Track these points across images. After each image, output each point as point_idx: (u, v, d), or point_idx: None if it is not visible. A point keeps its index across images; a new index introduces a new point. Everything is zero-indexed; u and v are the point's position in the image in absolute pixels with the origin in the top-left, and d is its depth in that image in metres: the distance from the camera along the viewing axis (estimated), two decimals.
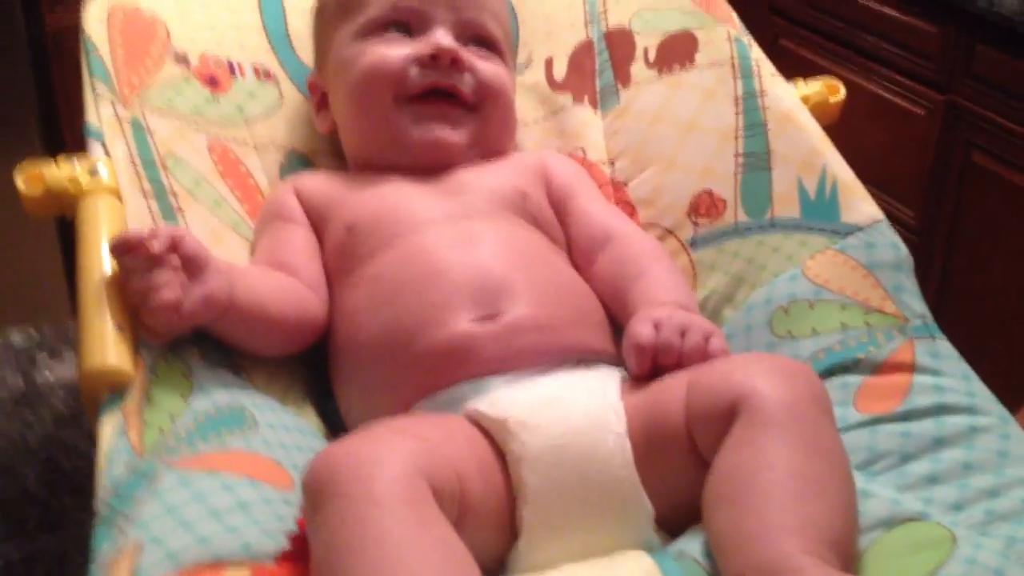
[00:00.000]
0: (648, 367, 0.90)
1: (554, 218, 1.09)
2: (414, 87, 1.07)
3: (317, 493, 0.71)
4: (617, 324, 0.99)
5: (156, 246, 0.84)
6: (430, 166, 1.08)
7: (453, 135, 1.08)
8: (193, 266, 0.87)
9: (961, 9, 1.80)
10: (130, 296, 0.85)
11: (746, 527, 0.73)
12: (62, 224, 1.97)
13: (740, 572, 0.71)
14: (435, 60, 1.07)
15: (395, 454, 0.72)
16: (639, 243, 1.05)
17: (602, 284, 1.03)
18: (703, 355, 0.88)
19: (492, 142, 1.12)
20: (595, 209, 1.09)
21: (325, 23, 1.16)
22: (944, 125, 1.91)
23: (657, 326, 0.90)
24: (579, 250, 1.07)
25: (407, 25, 1.10)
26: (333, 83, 1.12)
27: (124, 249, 0.85)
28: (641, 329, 0.90)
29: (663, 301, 0.95)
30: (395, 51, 1.08)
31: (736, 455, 0.77)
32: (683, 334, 0.89)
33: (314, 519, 0.71)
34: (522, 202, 1.06)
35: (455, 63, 1.08)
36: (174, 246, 0.86)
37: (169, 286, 0.84)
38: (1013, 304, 1.80)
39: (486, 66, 1.10)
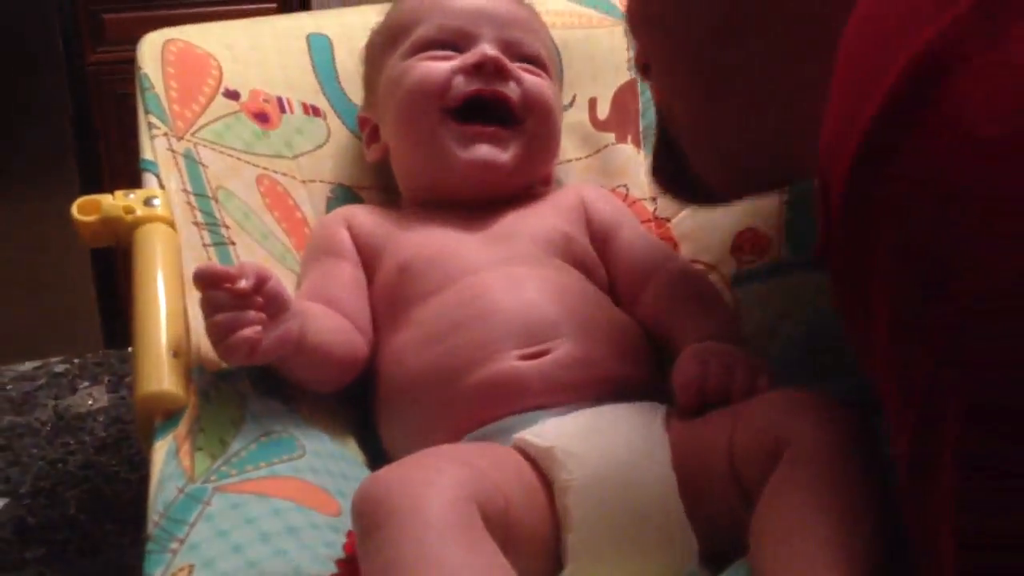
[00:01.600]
0: (696, 404, 0.90)
1: (596, 258, 1.09)
2: (459, 96, 1.08)
3: (370, 515, 0.72)
4: (665, 358, 1.00)
5: (244, 284, 0.86)
6: (478, 188, 1.09)
7: (500, 156, 1.09)
8: (274, 306, 0.89)
9: None
10: (209, 328, 0.87)
11: (790, 565, 0.72)
12: (95, 256, 2.01)
13: None
14: (480, 68, 1.08)
15: (446, 477, 0.73)
16: (684, 275, 1.06)
17: (648, 318, 1.04)
18: (750, 391, 0.88)
19: (537, 163, 1.13)
20: (638, 244, 1.10)
21: (375, 56, 1.18)
22: None
23: (704, 363, 0.90)
24: (624, 284, 1.08)
25: (454, 45, 1.12)
26: (383, 108, 1.14)
27: (211, 282, 0.86)
28: (688, 366, 0.91)
29: (710, 335, 0.96)
30: (441, 64, 1.10)
31: (780, 495, 0.76)
32: (730, 371, 0.90)
33: (366, 542, 0.72)
34: (566, 245, 1.07)
35: (500, 71, 1.09)
36: (259, 285, 0.87)
37: (251, 325, 0.86)
38: None
39: (532, 78, 1.12)
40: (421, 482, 0.72)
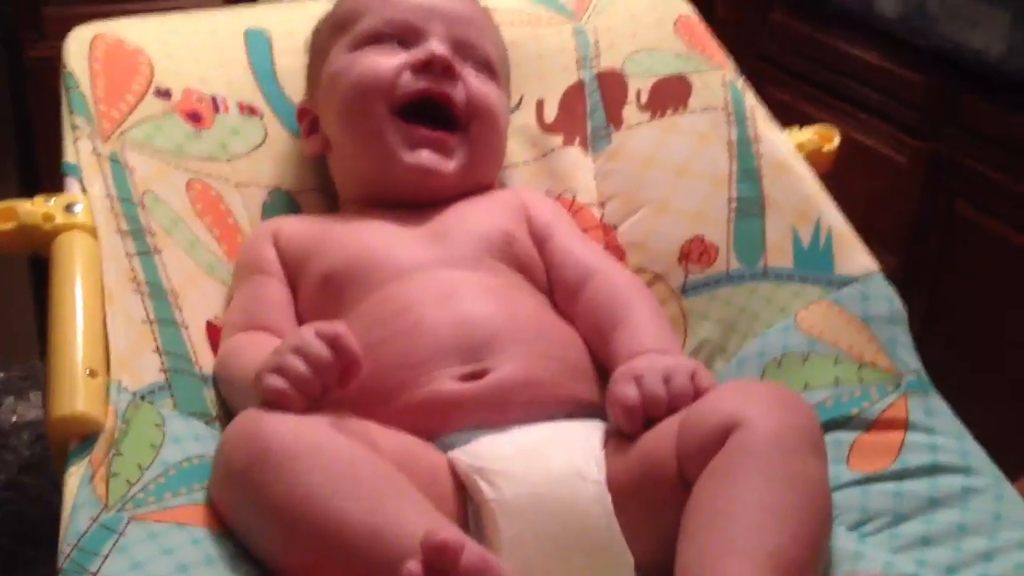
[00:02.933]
0: (639, 425, 0.87)
1: (539, 260, 1.06)
2: (406, 93, 1.05)
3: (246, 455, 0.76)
4: (602, 367, 0.97)
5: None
6: (419, 194, 1.06)
7: (444, 164, 1.06)
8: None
9: (947, 58, 1.80)
10: (280, 371, 0.81)
11: (697, 550, 0.73)
12: (34, 262, 1.95)
13: None
14: (428, 66, 1.05)
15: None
16: (617, 281, 1.03)
17: (584, 325, 1.01)
18: (691, 396, 0.86)
19: (481, 170, 1.10)
20: (574, 247, 1.07)
21: (319, 44, 1.14)
22: (927, 174, 1.90)
23: (638, 380, 0.88)
24: (560, 289, 1.05)
25: (402, 39, 1.08)
26: (325, 100, 1.11)
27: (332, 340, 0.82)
28: (623, 389, 0.88)
29: (644, 347, 0.93)
30: (388, 59, 1.07)
31: (708, 483, 0.77)
32: (667, 380, 0.87)
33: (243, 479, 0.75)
34: (508, 246, 1.04)
35: (448, 71, 1.06)
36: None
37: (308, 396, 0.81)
38: (994, 354, 1.79)
39: (480, 83, 1.09)
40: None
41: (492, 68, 1.12)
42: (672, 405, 0.86)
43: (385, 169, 1.06)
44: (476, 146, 1.08)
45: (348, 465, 0.75)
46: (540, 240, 1.08)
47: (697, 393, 0.86)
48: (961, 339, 1.85)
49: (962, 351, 1.83)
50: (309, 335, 0.82)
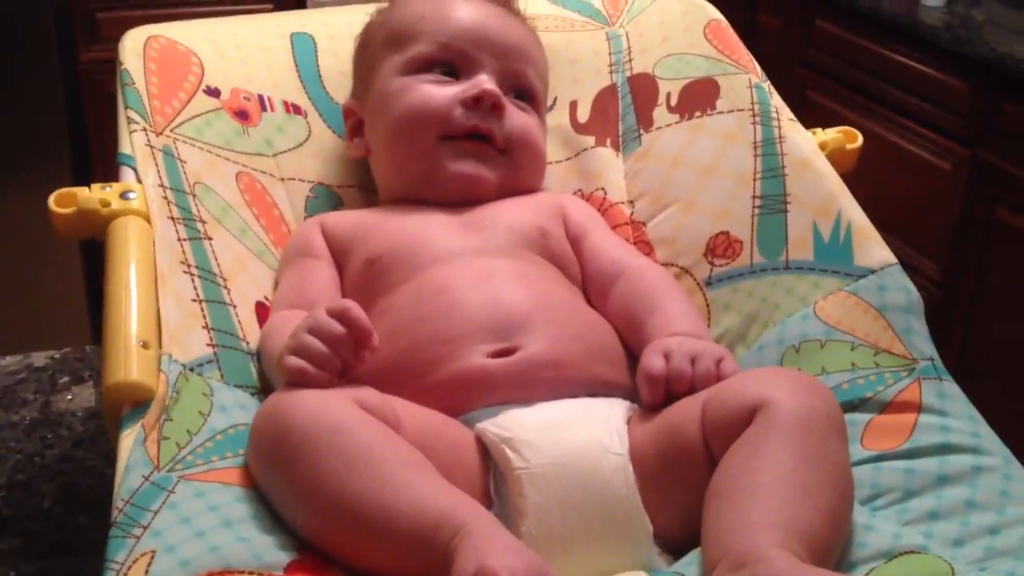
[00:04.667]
0: (661, 397, 0.91)
1: (572, 255, 1.11)
2: (458, 128, 1.10)
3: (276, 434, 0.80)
4: (634, 356, 1.01)
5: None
6: (460, 199, 1.11)
7: (487, 172, 1.11)
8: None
9: (990, 66, 1.82)
10: (298, 351, 0.85)
11: (726, 519, 0.75)
12: (85, 252, 2.02)
13: (716, 561, 0.73)
14: (478, 103, 1.10)
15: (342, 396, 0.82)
16: (650, 276, 1.08)
17: (617, 317, 1.05)
18: (714, 379, 0.90)
19: (520, 183, 1.15)
20: (608, 245, 1.12)
21: (370, 51, 1.19)
22: (969, 180, 1.92)
23: (667, 356, 0.92)
24: (593, 285, 1.09)
25: (453, 66, 1.13)
26: (373, 113, 1.16)
27: (341, 315, 0.86)
28: (652, 360, 0.92)
29: (675, 331, 0.97)
30: (441, 91, 1.11)
31: (736, 456, 0.80)
32: (693, 361, 0.91)
33: (269, 458, 0.80)
34: (542, 239, 1.08)
35: (496, 108, 1.11)
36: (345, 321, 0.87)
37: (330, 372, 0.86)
38: None
39: (520, 116, 1.14)
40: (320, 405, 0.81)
41: (535, 97, 1.18)
42: (695, 385, 0.90)
43: (431, 178, 1.12)
44: (515, 166, 1.14)
45: (365, 446, 0.78)
46: (575, 239, 1.12)
47: (720, 378, 0.90)
48: (1002, 341, 1.86)
49: (1003, 353, 1.85)
50: (320, 314, 0.87)
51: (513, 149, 1.13)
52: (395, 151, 1.14)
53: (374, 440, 0.79)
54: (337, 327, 0.86)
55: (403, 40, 1.16)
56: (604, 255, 1.10)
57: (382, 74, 1.15)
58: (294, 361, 0.84)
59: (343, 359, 0.86)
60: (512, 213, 1.11)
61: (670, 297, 1.04)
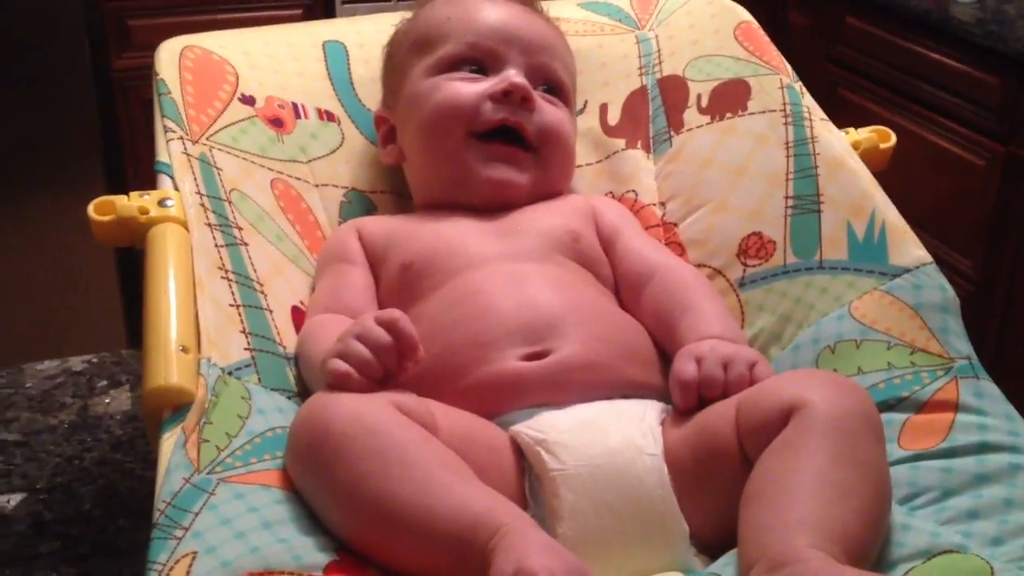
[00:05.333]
0: (694, 402, 0.92)
1: (604, 257, 1.11)
2: (486, 122, 1.11)
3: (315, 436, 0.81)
4: (667, 357, 1.01)
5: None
6: (492, 204, 1.12)
7: (518, 176, 1.12)
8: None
9: (1023, 60, 1.81)
10: (343, 356, 0.86)
11: (763, 520, 0.75)
12: (120, 260, 2.04)
13: (752, 562, 0.73)
14: (507, 96, 1.11)
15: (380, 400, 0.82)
16: (683, 276, 1.08)
17: (649, 318, 1.05)
18: (747, 384, 0.90)
19: (551, 184, 1.16)
20: (640, 246, 1.12)
21: (398, 57, 1.20)
22: (1004, 176, 1.91)
23: (700, 360, 0.92)
24: (626, 286, 1.10)
25: (481, 64, 1.15)
26: (404, 117, 1.17)
27: (390, 325, 0.87)
28: (684, 365, 0.93)
29: (708, 334, 0.97)
30: (469, 87, 1.12)
31: (773, 457, 0.79)
32: (726, 366, 0.91)
33: (307, 460, 0.81)
34: (574, 243, 1.09)
35: (525, 101, 1.12)
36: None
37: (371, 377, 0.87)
38: None
39: (551, 110, 1.15)
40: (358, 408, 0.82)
41: (563, 91, 1.18)
42: (728, 390, 0.91)
43: (462, 181, 1.12)
44: (547, 165, 1.15)
45: (402, 448, 0.79)
46: (608, 240, 1.13)
47: (753, 383, 0.90)
48: None
49: None
50: (369, 322, 0.88)
51: (544, 144, 1.13)
52: (427, 151, 1.14)
53: (411, 442, 0.80)
54: (384, 336, 0.86)
55: (430, 43, 1.17)
56: (636, 255, 1.11)
57: (411, 78, 1.16)
58: (339, 365, 0.85)
59: (387, 367, 0.87)
60: (543, 218, 1.11)
61: (703, 297, 1.04)
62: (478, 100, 1.12)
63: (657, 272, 1.08)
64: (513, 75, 1.12)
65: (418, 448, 0.80)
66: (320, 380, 0.91)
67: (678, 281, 1.06)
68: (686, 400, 0.91)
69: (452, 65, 1.15)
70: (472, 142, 1.12)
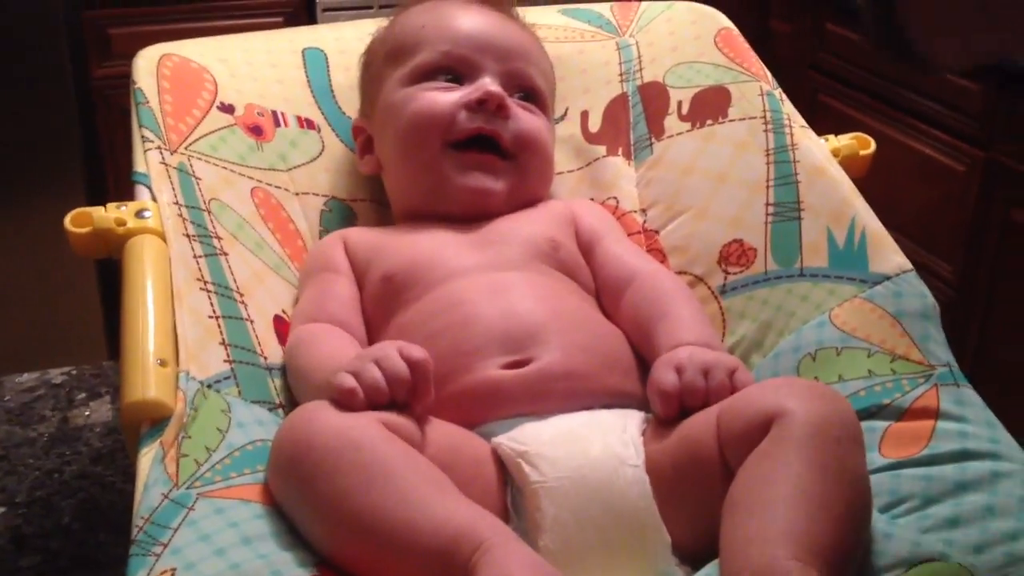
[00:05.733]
0: (675, 412, 0.91)
1: (584, 264, 1.11)
2: (462, 131, 1.11)
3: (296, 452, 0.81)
4: (644, 362, 1.01)
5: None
6: (471, 213, 1.11)
7: (494, 184, 1.12)
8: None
9: (1003, 67, 1.82)
10: (357, 375, 0.85)
11: (745, 532, 0.75)
12: (101, 270, 2.04)
13: (734, 573, 0.73)
14: (482, 105, 1.11)
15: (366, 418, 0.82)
16: (662, 282, 1.07)
17: (628, 323, 1.05)
18: (728, 392, 0.90)
19: (530, 191, 1.16)
20: (619, 251, 1.12)
21: (374, 68, 1.20)
22: (984, 182, 1.91)
23: (679, 370, 0.92)
24: (606, 291, 1.10)
25: (456, 72, 1.14)
26: (381, 126, 1.16)
27: (412, 363, 0.86)
28: (664, 375, 0.92)
29: (685, 341, 0.97)
30: (444, 97, 1.12)
31: (753, 467, 0.79)
32: (706, 374, 0.91)
33: (289, 472, 0.81)
34: (553, 252, 1.09)
35: (501, 109, 1.11)
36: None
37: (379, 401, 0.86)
38: None
39: (527, 117, 1.14)
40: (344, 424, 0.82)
41: (540, 97, 1.18)
42: (709, 398, 0.90)
43: (439, 191, 1.12)
44: (524, 172, 1.14)
45: (384, 462, 0.79)
46: (587, 246, 1.13)
47: (734, 390, 0.90)
48: (1018, 343, 1.86)
49: (1019, 355, 1.85)
50: (391, 349, 0.87)
51: (522, 152, 1.13)
52: (404, 162, 1.14)
53: (394, 457, 0.80)
54: (403, 369, 0.86)
55: (405, 52, 1.16)
56: (616, 261, 1.11)
57: (386, 88, 1.16)
58: (348, 380, 0.84)
59: (394, 399, 0.86)
60: (523, 227, 1.11)
61: (681, 303, 1.04)
62: (453, 109, 1.11)
63: (636, 278, 1.08)
64: (488, 83, 1.12)
65: (402, 463, 0.79)
66: (309, 392, 0.91)
67: (657, 287, 1.06)
68: (667, 410, 0.91)
69: (427, 74, 1.14)
70: (448, 152, 1.12)
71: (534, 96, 1.17)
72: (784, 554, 0.72)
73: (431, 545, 0.74)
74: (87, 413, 1.29)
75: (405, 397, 0.86)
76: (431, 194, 1.13)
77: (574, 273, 1.09)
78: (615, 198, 1.24)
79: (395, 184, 1.17)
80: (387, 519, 0.76)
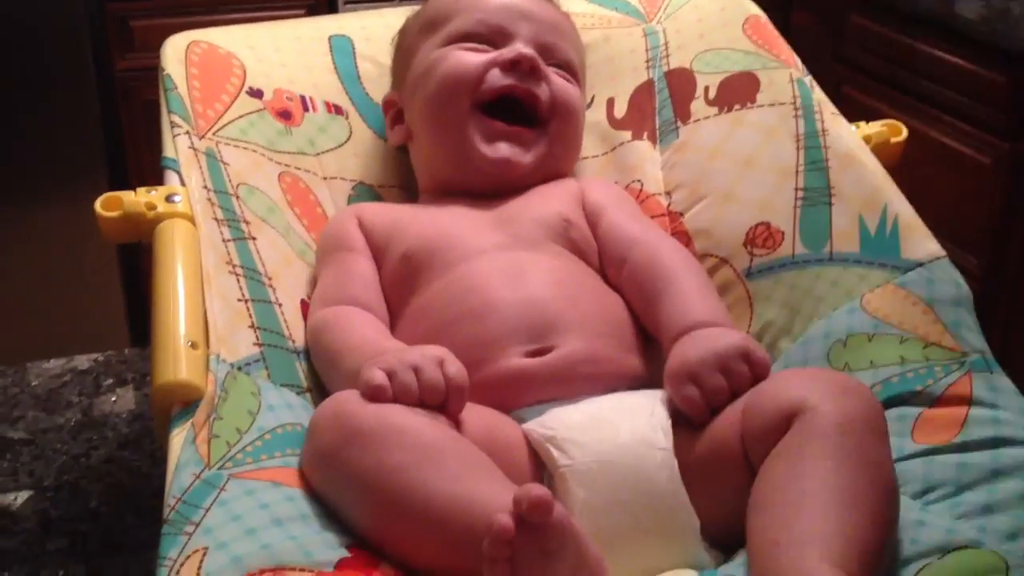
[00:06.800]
0: (706, 417, 0.90)
1: (593, 243, 1.10)
2: (492, 89, 1.10)
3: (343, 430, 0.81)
4: (648, 334, 1.01)
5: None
6: (494, 184, 1.11)
7: (522, 156, 1.11)
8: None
9: None
10: (390, 374, 0.85)
11: (773, 534, 0.74)
12: (123, 258, 2.04)
13: None
14: (516, 65, 1.10)
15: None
16: (660, 249, 1.05)
17: (629, 293, 1.04)
18: (750, 380, 0.89)
19: (557, 163, 1.15)
20: (621, 220, 1.10)
21: (408, 41, 1.20)
22: (1010, 175, 1.90)
23: (695, 378, 0.90)
24: (608, 259, 1.08)
25: (490, 40, 1.14)
26: (411, 93, 1.16)
27: (449, 379, 0.86)
28: (685, 391, 0.90)
29: (692, 319, 0.95)
30: (476, 56, 1.12)
31: (777, 464, 0.78)
32: (724, 371, 0.89)
33: (334, 458, 0.80)
34: (565, 230, 1.08)
35: (534, 71, 1.11)
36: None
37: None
38: None
39: (563, 83, 1.14)
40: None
41: (573, 70, 1.17)
42: (734, 391, 0.89)
43: (464, 160, 1.11)
44: (555, 141, 1.13)
45: (431, 443, 0.79)
46: (593, 220, 1.11)
47: (754, 372, 0.89)
48: None
49: None
50: (433, 363, 0.86)
51: (555, 116, 1.12)
52: (432, 124, 1.13)
53: (439, 438, 0.80)
54: (439, 380, 0.85)
55: (439, 22, 1.16)
56: (616, 229, 1.09)
57: (419, 56, 1.16)
58: (379, 377, 0.84)
59: (422, 405, 0.85)
60: (538, 205, 1.10)
61: (681, 273, 1.02)
62: (484, 67, 1.11)
63: (637, 244, 1.06)
64: (521, 46, 1.12)
65: (451, 444, 0.80)
66: (340, 377, 0.91)
67: (655, 255, 1.04)
68: (699, 419, 0.89)
69: (460, 40, 1.14)
70: (476, 115, 1.10)
71: (568, 69, 1.16)
72: (814, 557, 0.71)
73: (474, 520, 0.74)
74: (113, 399, 1.30)
75: (432, 405, 0.85)
76: (455, 161, 1.12)
77: (584, 252, 1.08)
78: (639, 181, 1.23)
79: (421, 153, 1.17)
80: (436, 495, 0.76)
